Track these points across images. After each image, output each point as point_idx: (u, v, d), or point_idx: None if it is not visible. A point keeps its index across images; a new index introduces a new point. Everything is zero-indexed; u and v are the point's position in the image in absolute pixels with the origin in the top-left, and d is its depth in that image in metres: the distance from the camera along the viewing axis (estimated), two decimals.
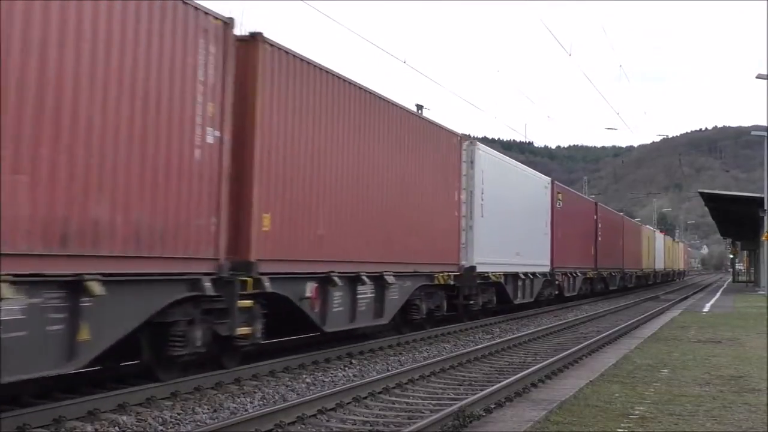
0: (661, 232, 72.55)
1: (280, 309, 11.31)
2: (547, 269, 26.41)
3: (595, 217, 36.23)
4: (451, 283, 17.60)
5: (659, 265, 61.95)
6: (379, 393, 9.84)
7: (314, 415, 8.42)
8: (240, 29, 10.34)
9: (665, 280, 68.21)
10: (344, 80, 12.82)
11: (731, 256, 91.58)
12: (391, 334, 15.72)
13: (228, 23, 9.90)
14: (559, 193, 29.03)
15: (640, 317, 23.10)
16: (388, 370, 11.83)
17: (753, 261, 64.48)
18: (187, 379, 9.67)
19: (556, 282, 27.68)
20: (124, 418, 8.05)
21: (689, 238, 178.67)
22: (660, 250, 62.65)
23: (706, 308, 27.08)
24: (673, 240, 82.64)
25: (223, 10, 9.71)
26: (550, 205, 27.53)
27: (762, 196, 37.43)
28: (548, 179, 28.26)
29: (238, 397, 9.46)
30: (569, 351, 13.73)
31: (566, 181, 51.84)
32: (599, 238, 36.26)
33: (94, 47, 7.82)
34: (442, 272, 16.90)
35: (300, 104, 11.49)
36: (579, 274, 31.69)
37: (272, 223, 10.71)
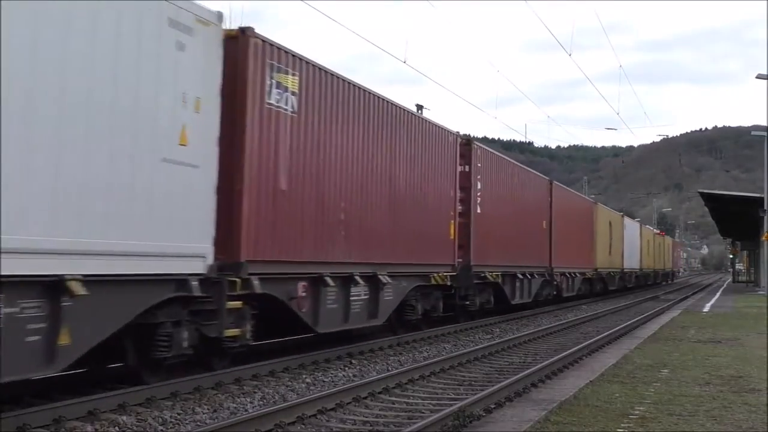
0: (660, 232, 70.65)
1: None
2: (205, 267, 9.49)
3: (467, 167, 18.83)
4: None
5: (632, 264, 45.56)
6: (379, 393, 9.84)
7: (314, 415, 8.42)
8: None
9: (642, 283, 51.81)
10: None
11: (731, 256, 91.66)
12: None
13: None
14: (291, 73, 10.98)
15: (639, 317, 23.10)
16: (388, 370, 11.83)
17: (753, 261, 64.50)
18: (186, 380, 9.67)
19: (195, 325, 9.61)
20: (124, 418, 8.05)
21: (689, 238, 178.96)
22: (634, 244, 46.61)
23: (706, 308, 27.08)
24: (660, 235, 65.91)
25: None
26: (251, 95, 10.21)
27: (762, 196, 37.47)
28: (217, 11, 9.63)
29: (238, 397, 9.46)
30: (569, 351, 13.73)
31: (566, 181, 49.42)
32: (477, 209, 19.27)
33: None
34: None
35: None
36: (396, 279, 14.71)
37: None
